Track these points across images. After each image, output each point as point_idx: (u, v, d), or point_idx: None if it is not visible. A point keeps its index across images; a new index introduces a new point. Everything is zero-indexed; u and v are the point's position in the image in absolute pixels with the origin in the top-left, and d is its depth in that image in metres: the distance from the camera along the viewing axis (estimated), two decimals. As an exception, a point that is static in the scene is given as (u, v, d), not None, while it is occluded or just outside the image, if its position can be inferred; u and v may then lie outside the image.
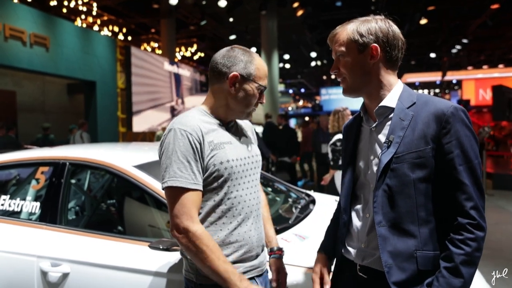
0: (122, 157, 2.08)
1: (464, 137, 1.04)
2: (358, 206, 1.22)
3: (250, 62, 1.28)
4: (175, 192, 1.19)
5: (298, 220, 2.11)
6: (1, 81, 10.48)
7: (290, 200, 2.65)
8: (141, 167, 1.99)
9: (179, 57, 18.03)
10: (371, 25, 1.13)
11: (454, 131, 1.04)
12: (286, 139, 6.83)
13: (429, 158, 1.06)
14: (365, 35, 1.12)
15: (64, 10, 12.82)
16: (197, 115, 1.29)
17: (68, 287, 1.81)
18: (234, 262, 1.26)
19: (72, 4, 12.53)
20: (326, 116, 6.16)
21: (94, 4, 13.13)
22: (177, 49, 17.51)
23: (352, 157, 1.26)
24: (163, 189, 1.22)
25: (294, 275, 1.57)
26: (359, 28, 1.13)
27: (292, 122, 35.33)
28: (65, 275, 1.82)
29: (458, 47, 18.03)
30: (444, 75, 22.19)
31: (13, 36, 8.36)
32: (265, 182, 3.06)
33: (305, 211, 2.31)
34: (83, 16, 13.94)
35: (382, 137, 1.14)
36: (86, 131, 8.49)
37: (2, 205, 2.24)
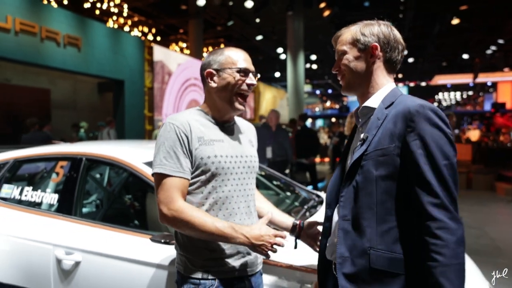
0: (133, 154, 2.19)
1: (430, 136, 1.02)
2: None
3: (219, 55, 1.38)
4: (160, 178, 1.29)
5: (301, 218, 2.14)
6: (37, 79, 11.04)
7: (298, 200, 2.68)
8: (151, 164, 2.08)
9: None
10: (374, 28, 1.18)
11: (419, 129, 1.02)
12: (303, 140, 6.81)
13: (392, 156, 1.05)
14: (367, 35, 1.17)
15: (97, 12, 13.32)
16: (191, 113, 1.39)
17: (80, 275, 1.94)
18: (222, 257, 1.32)
19: (105, 6, 13.01)
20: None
21: (125, 6, 13.58)
22: (205, 49, 17.78)
23: (344, 156, 1.30)
24: (152, 175, 1.33)
25: (285, 274, 1.61)
26: (362, 29, 1.19)
27: (319, 123, 35.07)
28: (77, 263, 1.94)
29: (493, 47, 17.31)
30: (475, 77, 21.31)
31: (48, 37, 8.80)
32: (276, 182, 3.11)
33: (310, 212, 2.34)
34: (114, 17, 14.44)
35: (362, 136, 1.17)
36: (113, 128, 8.81)
37: (26, 196, 2.41)
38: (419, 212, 1.01)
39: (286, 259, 1.65)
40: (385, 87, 1.19)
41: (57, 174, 2.40)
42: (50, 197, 2.32)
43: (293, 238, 1.83)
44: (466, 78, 25.35)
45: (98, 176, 3.12)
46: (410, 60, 21.84)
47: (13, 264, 2.13)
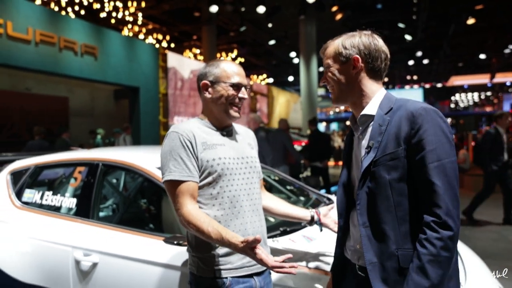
0: (147, 159, 2.27)
1: (433, 136, 1.06)
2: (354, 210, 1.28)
3: (215, 68, 1.47)
4: (172, 185, 1.37)
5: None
6: (56, 88, 11.39)
7: (309, 203, 2.71)
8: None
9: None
10: (355, 39, 1.22)
11: (423, 131, 1.07)
12: (315, 144, 6.83)
13: (401, 159, 1.10)
14: (348, 47, 1.22)
15: (113, 21, 13.65)
16: (193, 122, 1.49)
17: (97, 275, 2.02)
18: (229, 254, 1.38)
19: (120, 15, 13.32)
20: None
21: (140, 14, 13.88)
22: (218, 55, 17.98)
23: (347, 165, 1.34)
24: (163, 183, 1.40)
25: (297, 276, 1.64)
26: (343, 42, 1.23)
27: (334, 126, 34.85)
28: (94, 264, 2.02)
29: (511, 47, 16.95)
30: (493, 77, 20.87)
31: (66, 47, 9.08)
32: (288, 186, 3.14)
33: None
34: (129, 26, 14.76)
35: (365, 143, 1.21)
36: (129, 134, 9.00)
37: (46, 200, 2.52)
38: (424, 207, 1.07)
39: (298, 261, 1.68)
40: (377, 94, 1.23)
41: (75, 179, 2.50)
42: (69, 201, 2.42)
43: (303, 239, 1.88)
44: (483, 79, 24.85)
45: (114, 181, 3.22)
46: (425, 61, 21.57)
47: (35, 265, 2.23)
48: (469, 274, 1.81)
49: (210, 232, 1.27)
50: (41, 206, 2.51)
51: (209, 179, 1.39)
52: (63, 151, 3.26)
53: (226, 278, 1.36)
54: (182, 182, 1.35)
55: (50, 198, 2.51)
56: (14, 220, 2.46)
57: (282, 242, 1.85)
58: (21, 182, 2.64)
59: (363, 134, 1.24)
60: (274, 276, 1.62)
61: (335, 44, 1.25)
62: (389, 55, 1.25)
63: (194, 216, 1.32)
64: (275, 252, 1.70)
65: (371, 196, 1.15)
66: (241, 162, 1.47)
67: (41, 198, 2.54)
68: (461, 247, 2.23)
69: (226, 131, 1.52)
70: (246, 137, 1.60)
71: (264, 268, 1.46)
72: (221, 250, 1.38)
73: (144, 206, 2.81)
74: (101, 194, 2.40)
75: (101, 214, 2.74)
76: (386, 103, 1.19)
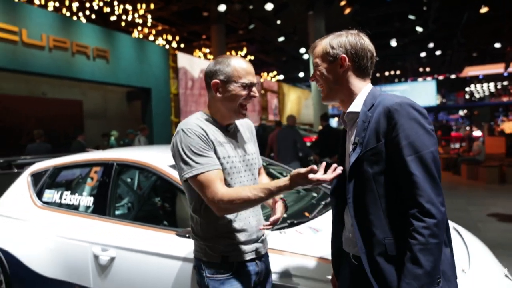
0: (160, 158, 2.36)
1: (410, 129, 1.11)
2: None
3: (226, 66, 1.45)
4: (200, 179, 1.37)
5: (318, 214, 2.24)
6: (70, 91, 11.65)
7: (316, 197, 2.77)
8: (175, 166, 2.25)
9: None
10: (342, 39, 1.28)
11: (399, 125, 1.12)
12: (326, 140, 6.85)
13: (382, 153, 1.16)
14: (335, 47, 1.27)
15: (123, 24, 13.88)
16: (198, 118, 1.51)
17: (115, 269, 2.13)
18: (238, 243, 1.47)
19: (130, 18, 13.53)
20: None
21: (149, 16, 14.07)
22: (228, 54, 18.05)
23: (341, 159, 1.41)
24: (185, 180, 1.41)
25: (304, 264, 1.71)
26: (331, 41, 1.29)
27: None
28: (112, 259, 2.13)
29: (527, 35, 16.55)
30: (507, 66, 20.40)
31: (79, 51, 9.30)
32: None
33: (327, 207, 2.42)
34: (139, 28, 14.98)
35: (353, 139, 1.27)
36: (146, 135, 9.07)
37: (65, 199, 2.64)
38: (407, 198, 1.12)
39: (302, 249, 1.75)
40: (363, 90, 1.29)
41: (92, 178, 2.62)
42: (86, 199, 2.54)
43: (310, 231, 1.94)
44: (499, 68, 24.30)
45: (129, 180, 3.34)
46: (438, 53, 21.21)
47: (56, 261, 2.36)
48: (473, 258, 1.86)
49: (256, 194, 1.32)
50: (60, 205, 2.64)
51: None
52: (79, 152, 3.39)
53: (233, 263, 1.47)
54: (208, 172, 1.37)
55: (68, 198, 2.63)
56: (36, 219, 2.59)
57: (290, 234, 1.92)
58: (41, 183, 2.78)
59: (352, 130, 1.30)
60: (284, 266, 1.70)
61: (323, 44, 1.31)
62: (375, 53, 1.30)
63: (233, 193, 1.34)
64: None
65: (358, 189, 1.21)
66: (245, 159, 1.54)
67: (60, 197, 2.66)
68: (465, 233, 2.27)
69: (229, 128, 1.56)
70: (246, 131, 1.66)
71: (264, 252, 1.58)
72: (228, 239, 1.47)
73: (158, 203, 2.92)
74: (116, 192, 2.51)
75: (117, 212, 2.85)
76: (369, 100, 1.25)
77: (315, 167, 1.23)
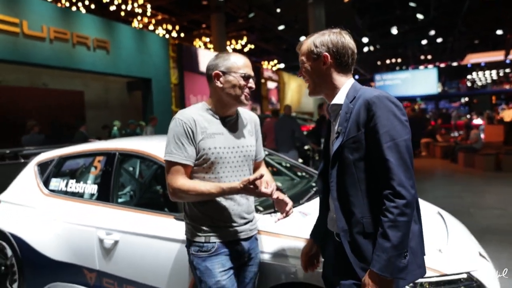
0: (160, 148, 2.49)
1: (386, 120, 1.24)
2: None
3: (226, 59, 1.62)
4: (170, 165, 1.58)
5: (308, 199, 2.38)
6: (71, 82, 11.74)
7: (310, 183, 2.91)
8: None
9: (230, 50, 18.59)
10: (325, 38, 1.40)
11: (377, 116, 1.25)
12: (323, 129, 6.97)
13: (362, 141, 1.29)
14: (318, 46, 1.40)
15: (122, 14, 13.88)
16: (197, 109, 1.66)
17: (119, 251, 2.28)
18: (222, 225, 1.62)
19: (129, 8, 13.53)
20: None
21: (149, 6, 14.05)
22: (228, 43, 18.05)
23: (326, 147, 1.54)
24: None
25: (293, 245, 1.86)
26: (315, 40, 1.41)
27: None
28: (116, 242, 2.28)
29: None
30: (507, 53, 20.31)
31: (79, 42, 9.38)
32: (291, 168, 3.35)
33: (316, 194, 2.56)
34: (139, 18, 14.97)
35: (336, 129, 1.40)
36: (154, 126, 9.17)
37: (70, 187, 2.79)
38: (382, 181, 1.25)
39: (290, 231, 1.90)
40: (345, 85, 1.42)
41: (95, 167, 2.76)
42: (91, 187, 2.68)
43: (299, 215, 2.08)
44: (500, 56, 24.19)
45: (131, 169, 3.48)
46: (439, 40, 21.11)
47: (64, 245, 2.52)
48: (450, 235, 2.04)
49: (209, 189, 1.52)
50: (66, 193, 2.78)
51: (204, 165, 1.60)
52: (82, 143, 3.53)
53: (215, 242, 1.61)
54: (178, 164, 1.56)
55: (74, 186, 2.78)
56: (43, 206, 2.75)
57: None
58: (47, 172, 2.93)
59: (336, 120, 1.43)
60: (275, 247, 1.84)
61: (308, 43, 1.43)
62: (355, 50, 1.43)
63: (189, 184, 1.54)
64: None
65: (340, 174, 1.35)
66: (236, 151, 1.66)
67: (66, 186, 2.81)
68: (448, 217, 2.42)
69: (228, 120, 1.69)
70: (249, 124, 1.78)
71: (251, 235, 1.72)
72: (212, 219, 1.62)
73: (159, 191, 3.06)
74: (119, 180, 2.65)
75: (120, 200, 3.00)
76: (352, 93, 1.38)
77: (258, 177, 1.44)
